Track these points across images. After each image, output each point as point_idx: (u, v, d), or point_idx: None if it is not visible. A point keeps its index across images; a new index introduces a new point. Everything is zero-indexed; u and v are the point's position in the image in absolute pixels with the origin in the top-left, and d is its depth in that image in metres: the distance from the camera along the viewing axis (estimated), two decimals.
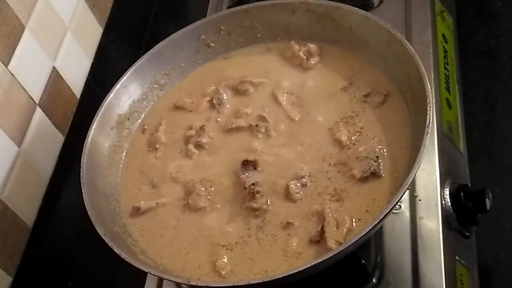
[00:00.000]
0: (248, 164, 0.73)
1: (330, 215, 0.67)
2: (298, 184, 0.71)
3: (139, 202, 0.75)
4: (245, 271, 0.67)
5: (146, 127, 0.83)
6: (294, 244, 0.67)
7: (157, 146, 0.80)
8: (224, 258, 0.68)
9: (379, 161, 0.70)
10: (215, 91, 0.83)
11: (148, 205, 0.75)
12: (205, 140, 0.78)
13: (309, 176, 0.72)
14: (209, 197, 0.73)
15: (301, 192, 0.71)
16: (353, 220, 0.67)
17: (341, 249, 0.58)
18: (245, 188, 0.71)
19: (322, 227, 0.66)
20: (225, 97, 0.82)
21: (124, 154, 0.81)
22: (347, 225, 0.66)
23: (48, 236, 0.88)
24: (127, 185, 0.78)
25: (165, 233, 0.73)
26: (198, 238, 0.71)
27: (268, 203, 0.71)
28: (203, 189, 0.74)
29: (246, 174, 0.73)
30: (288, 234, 0.68)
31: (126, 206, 0.76)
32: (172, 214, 0.74)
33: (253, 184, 0.71)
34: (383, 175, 0.69)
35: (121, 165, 0.80)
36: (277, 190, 0.72)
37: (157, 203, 0.75)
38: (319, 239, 0.66)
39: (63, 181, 0.92)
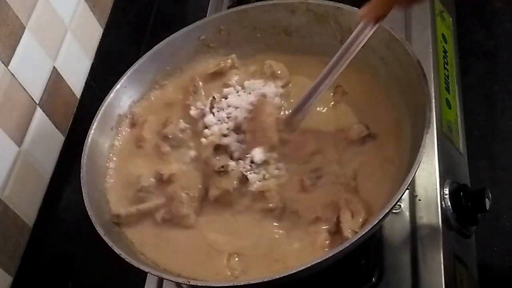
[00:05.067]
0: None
1: (345, 205, 0.67)
2: (313, 176, 0.71)
3: (120, 210, 0.73)
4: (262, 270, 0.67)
5: (134, 126, 0.83)
6: (318, 238, 0.67)
7: (141, 145, 0.80)
8: (236, 259, 0.69)
9: None
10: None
11: (129, 211, 0.73)
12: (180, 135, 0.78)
13: (323, 167, 0.72)
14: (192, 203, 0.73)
15: (316, 184, 0.71)
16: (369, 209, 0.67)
17: (340, 249, 0.58)
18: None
19: (338, 218, 0.67)
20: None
21: (115, 156, 0.81)
22: (362, 215, 0.66)
23: (48, 236, 0.89)
24: (116, 189, 0.77)
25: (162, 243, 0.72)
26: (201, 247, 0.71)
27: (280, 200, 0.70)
28: (183, 195, 0.72)
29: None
30: (309, 229, 0.68)
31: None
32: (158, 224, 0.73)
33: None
34: None
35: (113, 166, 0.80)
36: (292, 184, 0.72)
37: (137, 209, 0.73)
38: (336, 229, 0.67)
39: (63, 181, 0.92)
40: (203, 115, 0.78)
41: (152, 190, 0.74)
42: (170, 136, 0.78)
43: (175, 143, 0.78)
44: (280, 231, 0.69)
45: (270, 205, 0.70)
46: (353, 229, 0.65)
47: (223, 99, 0.79)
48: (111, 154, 0.79)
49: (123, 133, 0.82)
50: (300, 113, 0.74)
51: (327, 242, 0.67)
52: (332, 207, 0.68)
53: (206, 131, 0.77)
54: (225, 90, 0.80)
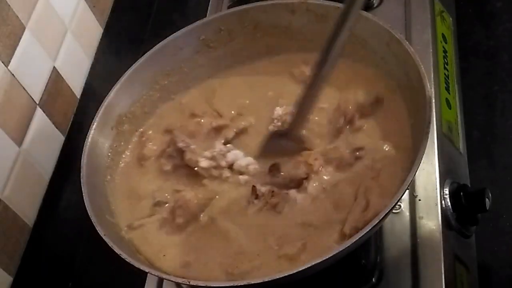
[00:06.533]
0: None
1: (362, 195, 0.67)
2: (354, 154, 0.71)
3: (133, 220, 0.74)
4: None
5: (144, 138, 0.83)
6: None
7: (143, 162, 0.80)
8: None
9: None
10: None
11: (140, 222, 0.74)
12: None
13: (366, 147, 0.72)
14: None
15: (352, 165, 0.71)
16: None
17: (340, 249, 0.58)
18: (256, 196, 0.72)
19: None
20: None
21: (122, 159, 0.81)
22: (373, 211, 0.65)
23: (48, 236, 0.89)
24: (123, 196, 0.78)
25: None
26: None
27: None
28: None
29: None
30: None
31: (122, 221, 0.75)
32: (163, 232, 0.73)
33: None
34: None
35: (119, 170, 0.80)
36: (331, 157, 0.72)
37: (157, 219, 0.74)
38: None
39: (63, 181, 0.92)
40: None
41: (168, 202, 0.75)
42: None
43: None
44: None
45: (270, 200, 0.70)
46: (355, 226, 0.64)
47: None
48: (112, 171, 0.79)
49: (132, 139, 0.82)
50: (300, 123, 0.72)
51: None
52: (354, 193, 0.68)
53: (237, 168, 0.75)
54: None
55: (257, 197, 0.71)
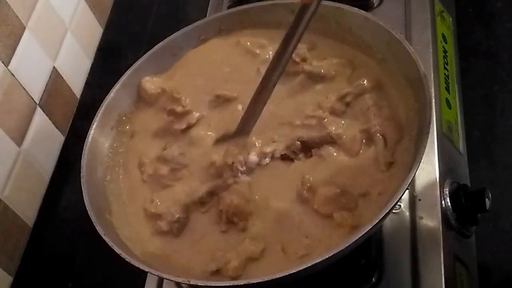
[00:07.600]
0: None
1: (377, 133, 0.70)
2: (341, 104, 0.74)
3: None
4: None
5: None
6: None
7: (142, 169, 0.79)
8: None
9: None
10: None
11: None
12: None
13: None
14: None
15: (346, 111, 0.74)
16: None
17: (340, 249, 0.58)
18: None
19: None
20: None
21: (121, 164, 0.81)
22: (394, 138, 0.69)
23: (48, 236, 0.89)
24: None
25: None
26: None
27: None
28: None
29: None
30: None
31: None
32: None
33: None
34: None
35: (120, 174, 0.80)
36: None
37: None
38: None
39: (63, 181, 0.92)
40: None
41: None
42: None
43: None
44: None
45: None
46: (387, 161, 0.68)
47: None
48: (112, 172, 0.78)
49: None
50: (253, 117, 0.71)
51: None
52: (366, 138, 0.71)
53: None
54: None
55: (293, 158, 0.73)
